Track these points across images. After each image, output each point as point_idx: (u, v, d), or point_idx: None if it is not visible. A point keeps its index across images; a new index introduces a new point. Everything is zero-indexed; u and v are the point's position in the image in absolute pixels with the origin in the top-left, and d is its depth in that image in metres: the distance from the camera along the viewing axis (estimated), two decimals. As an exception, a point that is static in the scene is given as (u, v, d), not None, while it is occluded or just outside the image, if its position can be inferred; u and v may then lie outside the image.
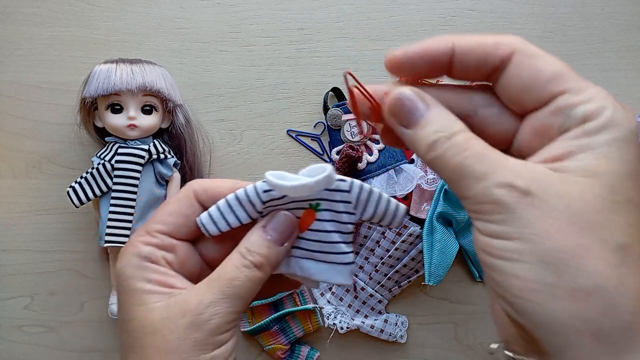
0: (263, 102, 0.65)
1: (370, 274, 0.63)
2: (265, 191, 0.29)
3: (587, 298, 0.20)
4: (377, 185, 0.61)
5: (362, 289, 0.63)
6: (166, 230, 0.30)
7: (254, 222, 0.30)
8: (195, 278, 0.30)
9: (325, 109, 0.64)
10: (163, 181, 0.60)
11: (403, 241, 0.61)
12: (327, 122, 0.64)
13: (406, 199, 0.62)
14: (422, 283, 0.60)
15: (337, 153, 0.64)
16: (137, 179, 0.57)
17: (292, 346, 0.63)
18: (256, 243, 0.29)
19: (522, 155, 0.24)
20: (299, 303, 0.64)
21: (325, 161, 0.65)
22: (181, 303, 0.27)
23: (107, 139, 0.59)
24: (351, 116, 0.28)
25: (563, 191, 0.21)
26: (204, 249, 0.32)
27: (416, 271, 0.63)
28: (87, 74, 0.57)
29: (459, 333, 0.65)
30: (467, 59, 0.24)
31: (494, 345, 0.25)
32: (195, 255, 0.31)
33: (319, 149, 0.65)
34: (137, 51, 0.64)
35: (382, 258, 0.62)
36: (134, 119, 0.56)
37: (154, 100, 0.57)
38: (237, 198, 0.29)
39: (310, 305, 0.63)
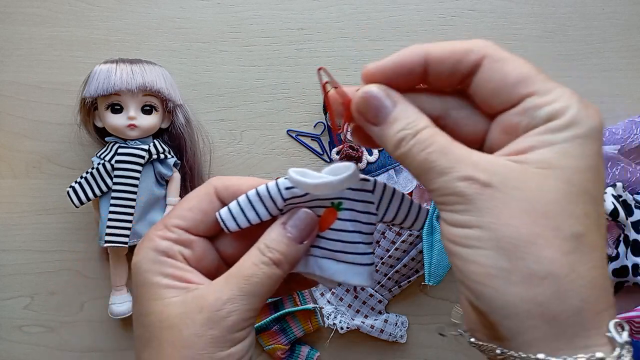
0: (263, 102, 0.65)
1: (370, 274, 0.63)
2: (287, 188, 0.29)
3: (540, 283, 0.21)
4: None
5: (362, 289, 0.63)
6: (184, 226, 0.30)
7: (273, 219, 0.30)
8: (211, 274, 0.30)
9: (325, 109, 0.64)
10: (163, 181, 0.60)
11: (403, 241, 0.61)
12: (327, 122, 0.64)
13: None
14: (422, 283, 0.61)
15: (337, 153, 0.64)
16: (137, 179, 0.57)
17: (292, 346, 0.63)
18: (276, 240, 0.29)
19: (492, 152, 0.25)
20: (299, 303, 0.64)
21: (325, 161, 0.65)
22: (198, 298, 0.27)
23: (107, 139, 0.59)
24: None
25: (521, 182, 0.22)
26: (222, 245, 0.32)
27: (416, 271, 0.63)
28: (87, 74, 0.57)
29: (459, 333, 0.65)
30: (440, 68, 0.25)
31: (456, 329, 0.26)
32: (212, 251, 0.31)
33: (319, 149, 0.65)
34: (137, 51, 0.64)
35: (382, 258, 0.62)
36: (134, 119, 0.56)
37: (154, 100, 0.57)
38: (258, 194, 0.29)
39: (310, 305, 0.63)
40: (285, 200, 0.29)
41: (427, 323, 0.65)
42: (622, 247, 0.61)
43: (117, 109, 0.56)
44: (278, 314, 0.62)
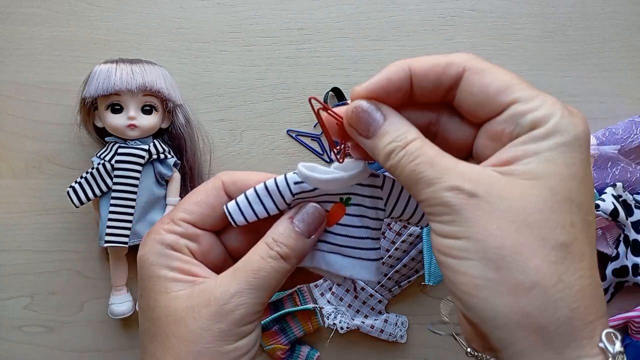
0: (263, 102, 0.65)
1: (370, 274, 0.63)
2: (296, 183, 0.29)
3: (527, 293, 0.21)
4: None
5: (362, 289, 0.63)
6: (191, 220, 0.30)
7: (280, 214, 0.30)
8: (218, 268, 0.30)
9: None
10: (163, 181, 0.60)
11: (403, 241, 0.61)
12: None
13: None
14: (422, 283, 0.60)
15: (337, 153, 0.63)
16: (137, 179, 0.57)
17: (292, 346, 0.63)
18: (283, 234, 0.29)
19: (480, 159, 0.26)
20: (299, 303, 0.64)
21: (325, 161, 0.65)
22: (205, 292, 0.27)
23: (107, 139, 0.59)
24: None
25: (506, 192, 0.22)
26: (228, 239, 0.32)
27: (416, 271, 0.63)
28: (87, 74, 0.57)
29: (459, 333, 0.65)
30: (423, 81, 0.26)
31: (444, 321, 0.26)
32: (218, 245, 0.31)
33: (319, 149, 0.65)
34: (137, 51, 0.64)
35: (382, 258, 0.62)
36: (134, 119, 0.56)
37: (154, 100, 0.57)
38: (267, 188, 0.29)
39: (310, 305, 0.63)
40: (293, 195, 0.29)
41: (427, 323, 0.65)
42: (622, 247, 0.61)
43: (117, 109, 0.56)
44: (278, 314, 0.62)
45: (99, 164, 0.57)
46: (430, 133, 0.26)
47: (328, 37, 0.66)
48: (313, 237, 0.29)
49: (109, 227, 0.56)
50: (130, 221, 0.57)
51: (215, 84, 0.65)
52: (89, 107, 0.58)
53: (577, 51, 0.67)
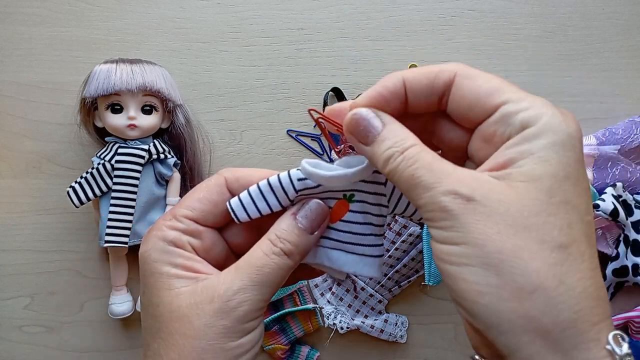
0: (263, 102, 0.65)
1: (370, 274, 0.63)
2: (300, 179, 0.29)
3: (529, 297, 0.21)
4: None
5: (362, 289, 0.63)
6: (193, 216, 0.30)
7: (282, 210, 0.30)
8: (220, 265, 0.30)
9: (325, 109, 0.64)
10: (163, 181, 0.60)
11: (403, 241, 0.61)
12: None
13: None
14: (422, 283, 0.60)
15: (337, 153, 0.63)
16: (137, 179, 0.57)
17: (292, 346, 0.63)
18: (287, 230, 0.29)
19: (476, 164, 0.26)
20: (299, 303, 0.64)
21: (325, 161, 0.65)
22: (209, 289, 0.27)
23: (107, 139, 0.59)
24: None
25: (503, 196, 0.22)
26: (230, 235, 0.32)
27: (416, 271, 0.63)
28: (87, 74, 0.57)
29: (459, 333, 0.65)
30: (417, 88, 0.26)
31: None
32: (221, 242, 0.31)
33: (319, 149, 0.65)
34: (137, 51, 0.64)
35: (384, 254, 0.62)
36: (134, 119, 0.56)
37: (154, 100, 0.57)
38: (270, 185, 0.29)
39: (310, 305, 0.63)
40: (297, 191, 0.29)
41: (427, 323, 0.65)
42: (622, 247, 0.61)
43: (117, 109, 0.56)
44: (278, 314, 0.62)
45: (99, 164, 0.57)
46: (426, 143, 0.26)
47: (328, 37, 0.66)
48: (316, 233, 0.29)
49: (109, 227, 0.56)
50: (130, 221, 0.57)
51: (215, 84, 0.65)
52: (89, 107, 0.58)
53: (577, 51, 0.67)
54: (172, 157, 0.60)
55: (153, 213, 0.59)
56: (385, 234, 0.62)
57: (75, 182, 0.57)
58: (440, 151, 0.28)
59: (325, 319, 0.63)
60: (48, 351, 0.63)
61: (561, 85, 0.66)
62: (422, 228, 0.61)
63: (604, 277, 0.61)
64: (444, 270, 0.23)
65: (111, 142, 0.58)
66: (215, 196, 0.30)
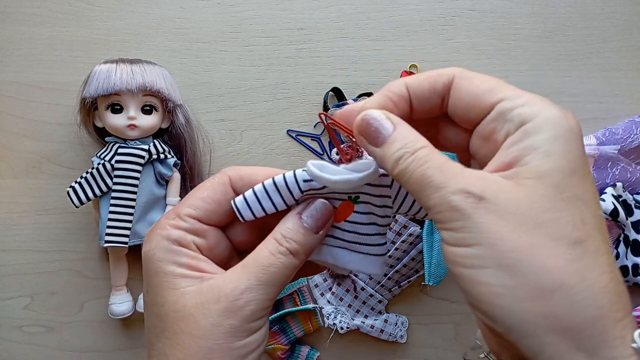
0: (263, 102, 0.65)
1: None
2: (305, 181, 0.29)
3: (550, 296, 0.20)
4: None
5: (362, 289, 0.63)
6: (197, 215, 0.30)
7: (287, 209, 0.30)
8: (223, 263, 0.30)
9: (326, 109, 0.64)
10: (163, 181, 0.60)
11: (403, 241, 0.61)
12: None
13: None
14: (422, 283, 0.60)
15: (337, 153, 0.64)
16: (137, 179, 0.57)
17: (292, 346, 0.63)
18: (292, 230, 0.29)
19: (479, 161, 0.26)
20: (299, 303, 0.64)
21: (326, 162, 0.65)
22: (215, 288, 0.27)
23: (107, 139, 0.59)
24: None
25: (512, 194, 0.22)
26: (234, 234, 0.32)
27: (416, 271, 0.63)
28: (87, 74, 0.57)
29: (459, 333, 0.65)
30: (419, 91, 0.27)
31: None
32: (224, 240, 0.31)
33: (319, 149, 0.65)
34: (137, 51, 0.64)
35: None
36: (134, 119, 0.56)
37: (154, 100, 0.57)
38: (275, 184, 0.29)
39: (310, 305, 0.63)
40: (302, 192, 0.29)
41: (427, 323, 0.65)
42: (622, 247, 0.61)
43: (117, 109, 0.56)
44: (278, 314, 0.62)
45: (99, 164, 0.57)
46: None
47: (328, 37, 0.66)
48: (321, 232, 0.29)
49: (109, 227, 0.56)
50: (130, 221, 0.57)
51: (215, 84, 0.65)
52: (89, 107, 0.58)
53: (577, 51, 0.67)
54: (172, 157, 0.60)
55: (153, 213, 0.59)
56: (386, 234, 0.62)
57: (75, 182, 0.57)
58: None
59: (325, 319, 0.63)
60: (48, 351, 0.63)
61: (561, 85, 0.66)
62: (422, 228, 0.61)
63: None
64: (458, 274, 0.23)
65: (111, 142, 0.58)
66: (219, 195, 0.30)
